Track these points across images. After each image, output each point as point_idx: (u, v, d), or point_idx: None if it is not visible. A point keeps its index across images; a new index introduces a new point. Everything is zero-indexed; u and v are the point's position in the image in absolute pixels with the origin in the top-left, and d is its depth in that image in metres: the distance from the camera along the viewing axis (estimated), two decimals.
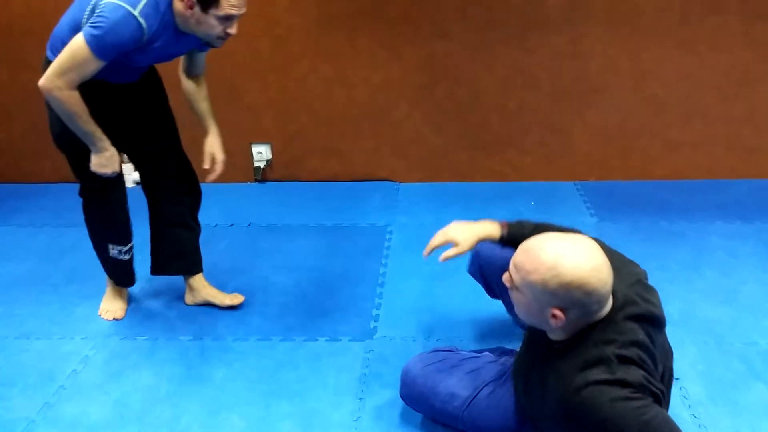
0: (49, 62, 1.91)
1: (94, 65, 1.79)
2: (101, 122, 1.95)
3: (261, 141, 3.50)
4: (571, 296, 1.30)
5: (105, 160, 1.99)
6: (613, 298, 1.38)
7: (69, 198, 3.45)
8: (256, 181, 3.59)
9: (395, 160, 3.51)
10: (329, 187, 3.47)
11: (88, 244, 2.95)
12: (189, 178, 2.36)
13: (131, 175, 3.59)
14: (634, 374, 1.31)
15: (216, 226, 3.13)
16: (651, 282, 2.49)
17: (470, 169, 3.47)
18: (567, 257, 1.30)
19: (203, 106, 2.25)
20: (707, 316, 2.28)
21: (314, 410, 1.92)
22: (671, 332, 2.18)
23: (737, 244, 2.76)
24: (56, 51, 1.88)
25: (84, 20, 1.81)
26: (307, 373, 2.08)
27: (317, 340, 2.24)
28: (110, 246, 2.24)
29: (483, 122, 3.37)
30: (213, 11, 1.78)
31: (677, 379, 1.97)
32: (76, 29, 1.83)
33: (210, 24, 1.83)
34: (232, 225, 3.13)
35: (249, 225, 3.12)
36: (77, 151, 2.04)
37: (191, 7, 1.78)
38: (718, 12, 3.06)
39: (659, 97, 3.24)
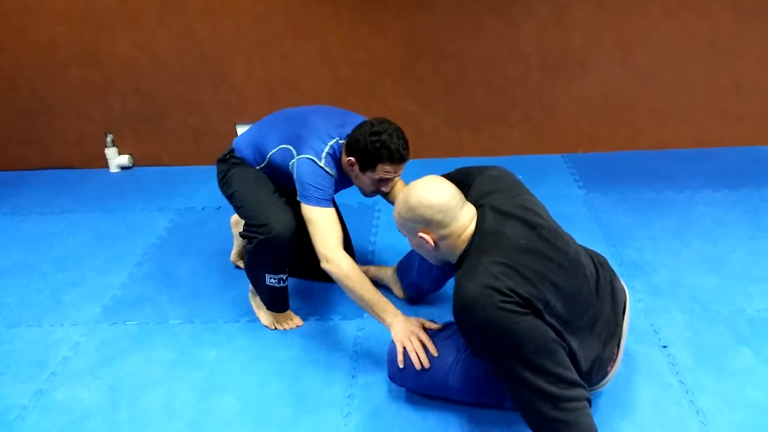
0: (227, 159, 2.20)
1: (332, 214, 1.97)
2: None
3: (246, 121, 3.47)
4: (420, 214, 1.57)
5: (402, 330, 1.82)
6: (489, 211, 1.59)
7: (56, 185, 3.45)
8: None
9: None
10: None
11: (76, 230, 2.96)
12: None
13: (115, 160, 3.58)
14: (504, 281, 1.44)
15: (203, 208, 3.11)
16: (638, 252, 2.52)
17: (458, 144, 3.46)
18: (409, 190, 1.61)
19: None
20: (694, 284, 2.30)
21: (307, 389, 1.93)
22: (659, 301, 2.22)
23: (724, 212, 2.78)
24: (242, 152, 2.18)
25: (289, 168, 2.04)
26: (300, 353, 2.09)
27: (308, 319, 2.25)
28: (268, 276, 2.12)
29: (469, 97, 3.35)
30: (369, 173, 1.99)
31: (665, 347, 2.00)
32: (284, 158, 2.06)
33: (365, 182, 2.04)
34: (219, 207, 3.12)
35: None
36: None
37: (351, 165, 2.00)
38: None
39: (645, 67, 3.23)
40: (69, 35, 3.29)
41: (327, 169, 1.99)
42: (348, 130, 2.03)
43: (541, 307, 1.46)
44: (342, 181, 2.10)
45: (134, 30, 3.26)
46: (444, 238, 1.58)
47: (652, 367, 1.92)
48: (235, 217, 2.50)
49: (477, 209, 1.63)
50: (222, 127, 3.49)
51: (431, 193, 1.57)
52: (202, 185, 3.36)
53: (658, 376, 1.89)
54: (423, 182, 1.62)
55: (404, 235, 1.69)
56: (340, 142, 2.04)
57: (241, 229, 2.11)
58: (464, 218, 1.58)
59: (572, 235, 1.72)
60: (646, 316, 2.14)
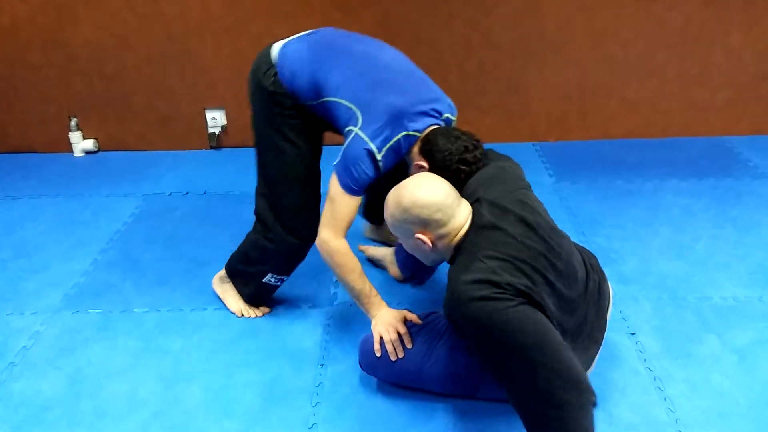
0: (264, 85, 1.88)
1: (354, 203, 1.80)
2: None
3: (215, 106, 3.40)
4: (416, 215, 1.51)
5: (381, 320, 1.78)
6: (485, 206, 1.54)
7: (17, 169, 3.34)
8: (210, 147, 3.50)
9: None
10: None
11: (38, 215, 2.87)
12: None
13: (79, 144, 3.48)
14: (501, 275, 1.39)
15: (170, 194, 3.05)
16: (607, 240, 2.53)
17: None
18: (400, 191, 1.55)
19: None
20: (661, 271, 2.32)
21: (275, 378, 1.90)
22: (627, 289, 2.24)
23: (691, 200, 2.81)
24: (293, 82, 1.85)
25: (343, 128, 1.82)
26: (268, 342, 2.05)
27: (277, 308, 2.21)
28: (271, 274, 2.07)
29: (442, 83, 3.27)
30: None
31: (633, 334, 2.01)
32: (344, 118, 1.81)
33: None
34: (187, 193, 3.06)
35: (204, 193, 3.05)
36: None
37: (420, 168, 1.77)
38: None
39: (616, 55, 3.24)
40: (30, 16, 3.18)
41: (381, 166, 1.76)
42: (430, 121, 1.79)
43: (540, 301, 1.42)
44: (391, 166, 1.86)
45: (98, 10, 3.16)
46: (441, 237, 1.53)
47: (621, 354, 1.93)
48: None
49: (473, 204, 1.58)
50: (189, 112, 3.41)
51: (426, 192, 1.51)
52: (170, 170, 3.29)
53: (626, 363, 1.90)
54: (415, 181, 1.56)
55: (398, 237, 1.63)
56: (411, 135, 1.78)
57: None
58: (461, 215, 1.54)
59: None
60: (614, 303, 2.15)
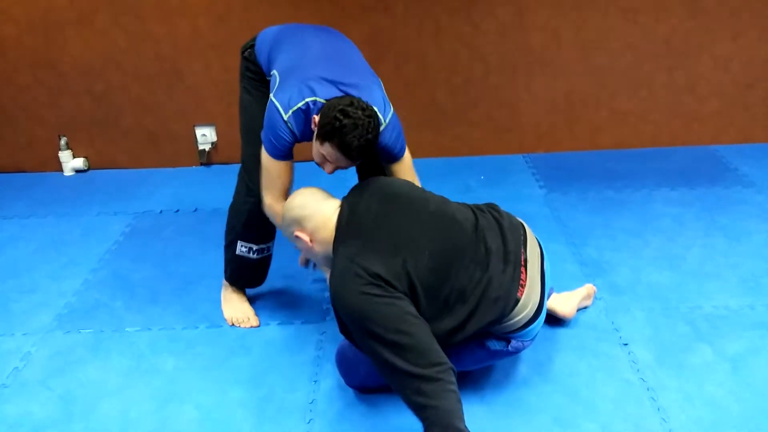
0: (245, 55, 2.13)
1: (281, 167, 1.91)
2: None
3: (205, 123, 3.41)
4: (290, 217, 1.75)
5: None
6: (344, 201, 1.74)
7: (6, 189, 3.33)
8: (201, 164, 3.50)
9: None
10: None
11: (28, 235, 2.85)
12: None
13: (69, 163, 3.47)
14: (360, 263, 1.57)
15: (161, 212, 3.04)
16: (598, 250, 2.54)
17: (420, 145, 3.44)
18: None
19: None
20: (653, 281, 2.33)
21: (268, 395, 1.89)
22: (619, 299, 2.24)
23: (681, 210, 2.82)
24: (260, 56, 2.07)
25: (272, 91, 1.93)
26: (260, 359, 2.05)
27: (269, 324, 2.21)
28: (240, 243, 2.16)
29: (431, 98, 3.34)
30: (318, 144, 1.80)
31: (625, 345, 2.02)
32: (271, 85, 1.95)
33: (314, 149, 1.85)
34: (177, 211, 3.05)
35: (195, 210, 3.04)
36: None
37: (315, 125, 1.81)
38: None
39: (604, 67, 3.27)
40: (17, 36, 3.18)
41: (291, 126, 1.82)
42: (342, 91, 1.82)
43: (403, 282, 1.56)
44: (310, 138, 1.89)
45: (86, 30, 3.16)
46: (315, 232, 1.71)
47: (613, 365, 1.93)
48: None
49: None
50: (179, 130, 3.42)
51: (293, 197, 1.77)
52: (160, 188, 3.28)
53: (619, 374, 1.90)
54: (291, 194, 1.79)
55: (295, 246, 1.80)
56: (320, 101, 1.80)
57: None
58: (326, 209, 1.72)
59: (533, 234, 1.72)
60: (606, 314, 2.16)
